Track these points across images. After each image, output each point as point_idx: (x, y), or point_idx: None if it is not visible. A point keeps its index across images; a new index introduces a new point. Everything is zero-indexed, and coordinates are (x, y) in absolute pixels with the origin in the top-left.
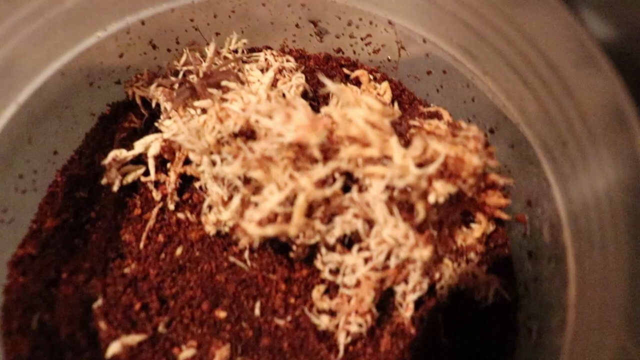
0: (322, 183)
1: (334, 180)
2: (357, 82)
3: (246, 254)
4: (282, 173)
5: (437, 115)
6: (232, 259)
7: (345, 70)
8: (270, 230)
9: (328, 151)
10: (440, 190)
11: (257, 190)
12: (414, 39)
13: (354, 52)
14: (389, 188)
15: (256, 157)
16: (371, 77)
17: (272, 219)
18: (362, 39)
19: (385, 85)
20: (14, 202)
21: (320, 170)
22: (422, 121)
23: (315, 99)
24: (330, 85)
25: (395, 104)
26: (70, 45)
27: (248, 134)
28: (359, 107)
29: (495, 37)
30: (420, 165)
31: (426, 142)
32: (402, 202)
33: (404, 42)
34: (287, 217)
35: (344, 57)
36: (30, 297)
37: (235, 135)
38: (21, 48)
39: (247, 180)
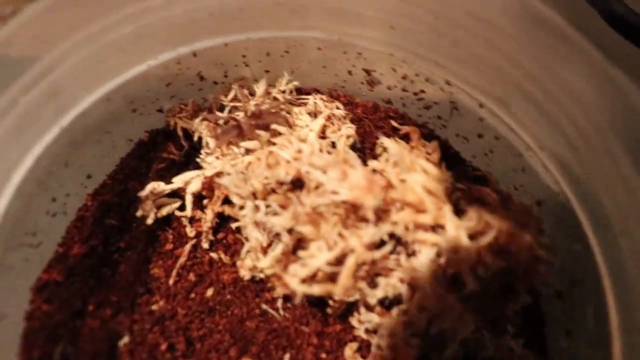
0: (372, 245)
1: (383, 242)
2: (406, 137)
3: (279, 303)
4: (331, 230)
5: (484, 181)
6: (264, 306)
7: (393, 123)
8: (316, 290)
9: (379, 211)
10: (491, 265)
11: (300, 242)
12: (469, 102)
13: (404, 105)
14: (438, 256)
15: (306, 211)
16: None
17: (316, 276)
18: (414, 94)
19: (434, 144)
20: (43, 225)
21: (373, 233)
22: (470, 185)
23: (362, 150)
24: (389, 145)
25: (443, 166)
26: (120, 71)
27: (296, 183)
28: (415, 172)
29: (559, 115)
30: (471, 236)
31: (480, 215)
32: (449, 271)
33: (458, 103)
34: (333, 276)
35: (392, 108)
36: (54, 326)
37: (281, 184)
38: (72, 72)
39: (289, 230)
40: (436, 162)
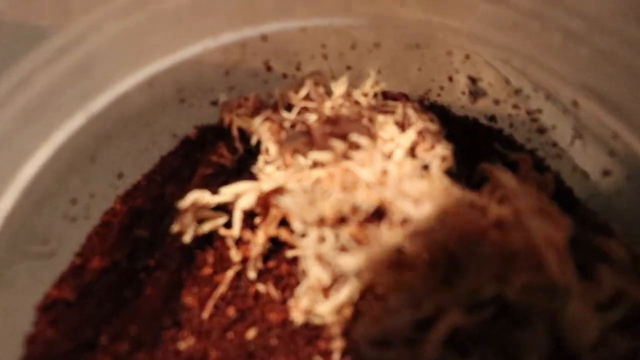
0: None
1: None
2: (512, 166)
3: (336, 357)
4: (418, 281)
5: (606, 230)
6: (317, 358)
7: (497, 146)
8: (390, 356)
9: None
10: (618, 347)
11: (372, 288)
12: (599, 130)
13: (511, 125)
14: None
15: (388, 253)
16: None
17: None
18: (528, 113)
19: (549, 177)
20: (58, 232)
21: (474, 292)
22: (591, 235)
23: (457, 175)
24: (497, 174)
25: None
26: (169, 50)
27: (375, 212)
28: (532, 214)
29: None
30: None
31: (612, 280)
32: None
33: (585, 130)
34: (412, 342)
35: (496, 127)
36: (58, 358)
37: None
38: (107, 46)
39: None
40: (549, 200)
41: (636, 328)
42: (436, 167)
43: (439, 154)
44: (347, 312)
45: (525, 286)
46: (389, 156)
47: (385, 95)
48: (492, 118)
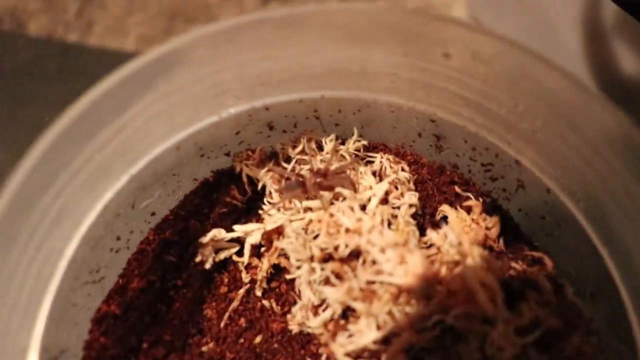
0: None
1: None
2: (468, 209)
3: (323, 358)
4: (382, 308)
5: (540, 262)
6: (309, 359)
7: (457, 189)
8: None
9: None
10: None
11: (350, 310)
12: (536, 185)
13: (469, 172)
14: (483, 345)
15: (360, 286)
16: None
17: (362, 352)
18: (482, 165)
19: (495, 219)
20: (106, 262)
21: (422, 317)
22: (526, 268)
23: (422, 215)
24: (449, 229)
25: (501, 241)
26: (192, 123)
27: (353, 252)
28: (472, 260)
29: (627, 221)
30: (519, 330)
31: (531, 310)
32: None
33: (525, 182)
34: (377, 354)
35: (458, 173)
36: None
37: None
38: (145, 127)
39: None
40: (495, 238)
41: (551, 347)
42: (403, 213)
43: (407, 201)
44: (331, 326)
45: (461, 315)
46: (367, 200)
47: (368, 146)
48: (455, 165)
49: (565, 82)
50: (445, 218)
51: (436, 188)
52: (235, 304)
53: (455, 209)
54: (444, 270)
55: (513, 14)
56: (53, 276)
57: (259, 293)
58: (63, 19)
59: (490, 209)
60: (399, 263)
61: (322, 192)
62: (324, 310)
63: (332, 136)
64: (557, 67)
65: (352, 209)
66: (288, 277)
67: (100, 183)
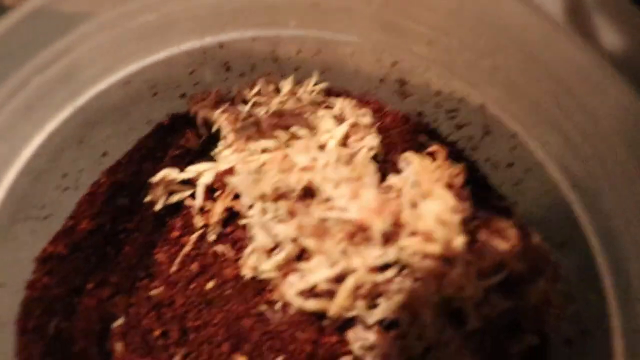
0: (375, 267)
1: (388, 265)
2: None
3: (278, 306)
4: (335, 246)
5: (507, 212)
6: (262, 307)
7: (422, 138)
8: (311, 305)
9: (387, 234)
10: (498, 305)
11: (304, 252)
12: (502, 130)
13: (435, 120)
14: (443, 288)
15: (312, 224)
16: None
17: (314, 291)
18: (447, 111)
19: (461, 167)
20: (52, 199)
21: (377, 256)
22: (491, 216)
23: (386, 161)
24: (412, 161)
25: (467, 190)
26: (141, 56)
27: (307, 191)
28: (431, 198)
29: (596, 157)
30: (481, 273)
31: (494, 252)
32: (452, 304)
33: (491, 128)
34: (331, 293)
35: (423, 122)
36: (52, 299)
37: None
38: (90, 54)
39: (294, 239)
40: (460, 186)
41: (513, 292)
42: (362, 155)
43: (367, 144)
44: (284, 270)
45: (416, 253)
46: (324, 145)
47: (330, 92)
48: (420, 114)
49: (529, 13)
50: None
51: (400, 137)
52: (187, 248)
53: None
54: (401, 209)
55: None
56: None
57: (212, 238)
58: None
59: (456, 159)
60: (353, 198)
61: (277, 132)
62: (277, 255)
63: (290, 78)
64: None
65: (308, 148)
66: (242, 222)
67: (41, 110)
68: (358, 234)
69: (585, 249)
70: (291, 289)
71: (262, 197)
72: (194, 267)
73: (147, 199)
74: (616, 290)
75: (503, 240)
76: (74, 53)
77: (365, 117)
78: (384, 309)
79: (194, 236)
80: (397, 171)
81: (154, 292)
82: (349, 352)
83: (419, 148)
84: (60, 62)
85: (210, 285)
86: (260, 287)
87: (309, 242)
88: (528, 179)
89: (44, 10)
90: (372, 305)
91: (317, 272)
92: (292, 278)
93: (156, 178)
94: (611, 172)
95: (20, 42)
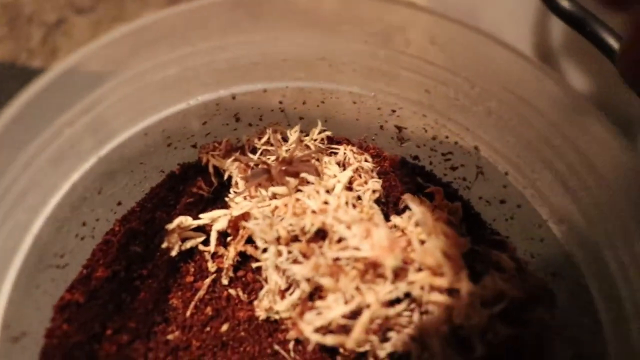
0: (387, 302)
1: (398, 300)
2: (430, 196)
3: (291, 345)
4: (349, 284)
5: (502, 246)
6: (276, 346)
7: (419, 179)
8: (329, 340)
9: (397, 270)
10: (501, 332)
11: (318, 290)
12: (495, 169)
13: (430, 163)
14: (450, 319)
15: (327, 263)
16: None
17: (330, 327)
18: (442, 154)
19: (457, 205)
20: (71, 248)
21: (389, 291)
22: (488, 249)
23: (386, 203)
24: (411, 203)
25: (464, 227)
26: (161, 108)
27: (319, 233)
28: (435, 235)
29: (582, 193)
30: (484, 303)
31: (495, 283)
32: (460, 334)
33: (484, 168)
34: (346, 328)
35: (419, 165)
36: (72, 346)
37: (305, 233)
38: (116, 107)
39: (308, 279)
40: (457, 224)
41: (514, 319)
42: (367, 198)
43: (370, 187)
44: (299, 309)
45: (425, 286)
46: (331, 189)
47: (332, 139)
48: (416, 158)
49: (516, 59)
50: (408, 207)
51: (398, 179)
52: (201, 293)
53: (419, 197)
54: (410, 246)
55: None
56: (17, 251)
57: (225, 282)
58: (27, 45)
59: (451, 198)
60: (365, 237)
61: (287, 179)
62: (291, 295)
63: (297, 127)
64: (508, 46)
65: (317, 192)
66: (254, 265)
67: (68, 160)
68: (370, 270)
69: (577, 278)
70: (309, 326)
71: (277, 240)
72: (208, 310)
73: (163, 245)
74: (609, 313)
75: (501, 272)
76: (100, 107)
77: (367, 162)
78: (395, 341)
79: (208, 280)
80: (397, 211)
81: (170, 337)
82: None
83: (417, 189)
84: (88, 115)
85: (224, 328)
86: (273, 328)
87: (325, 281)
88: (519, 214)
89: (73, 70)
90: (384, 339)
91: (334, 308)
92: (310, 316)
93: (172, 225)
94: (598, 204)
95: (52, 100)
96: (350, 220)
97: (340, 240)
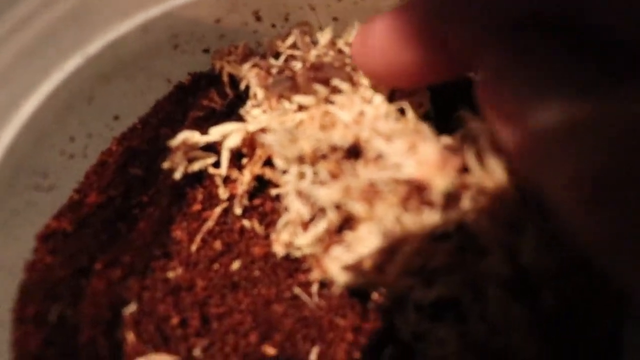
0: (435, 236)
1: (448, 235)
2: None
3: (315, 288)
4: (388, 211)
5: None
6: (296, 290)
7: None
8: (360, 280)
9: (449, 197)
10: (579, 282)
11: (349, 221)
12: None
13: None
14: (513, 261)
15: (361, 185)
16: None
17: (362, 264)
18: None
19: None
20: (57, 167)
21: (438, 221)
22: None
23: (434, 120)
24: (471, 125)
25: None
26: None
27: (352, 151)
28: (497, 153)
29: None
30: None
31: None
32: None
33: None
34: (381, 266)
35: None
36: (55, 282)
37: (335, 150)
38: None
39: (337, 205)
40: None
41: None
42: (412, 111)
43: (417, 100)
44: (325, 244)
45: (483, 218)
46: (368, 101)
47: None
48: None
49: None
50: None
51: (452, 95)
52: (209, 224)
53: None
54: (466, 165)
55: None
56: None
57: (238, 211)
58: None
59: None
60: (409, 152)
61: (316, 86)
62: (315, 226)
63: (329, 29)
64: None
65: (352, 102)
66: (274, 192)
67: (45, 53)
68: (413, 195)
69: None
70: (335, 263)
71: (300, 159)
72: (217, 245)
73: (165, 165)
74: None
75: None
76: None
77: None
78: (441, 285)
79: (218, 210)
80: (449, 131)
81: (171, 274)
82: (397, 341)
83: (472, 108)
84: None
85: (235, 265)
86: (293, 267)
87: (358, 208)
88: None
89: None
90: (428, 282)
91: (367, 241)
92: (337, 250)
93: (175, 142)
94: None
95: None
96: (390, 132)
97: (377, 158)
